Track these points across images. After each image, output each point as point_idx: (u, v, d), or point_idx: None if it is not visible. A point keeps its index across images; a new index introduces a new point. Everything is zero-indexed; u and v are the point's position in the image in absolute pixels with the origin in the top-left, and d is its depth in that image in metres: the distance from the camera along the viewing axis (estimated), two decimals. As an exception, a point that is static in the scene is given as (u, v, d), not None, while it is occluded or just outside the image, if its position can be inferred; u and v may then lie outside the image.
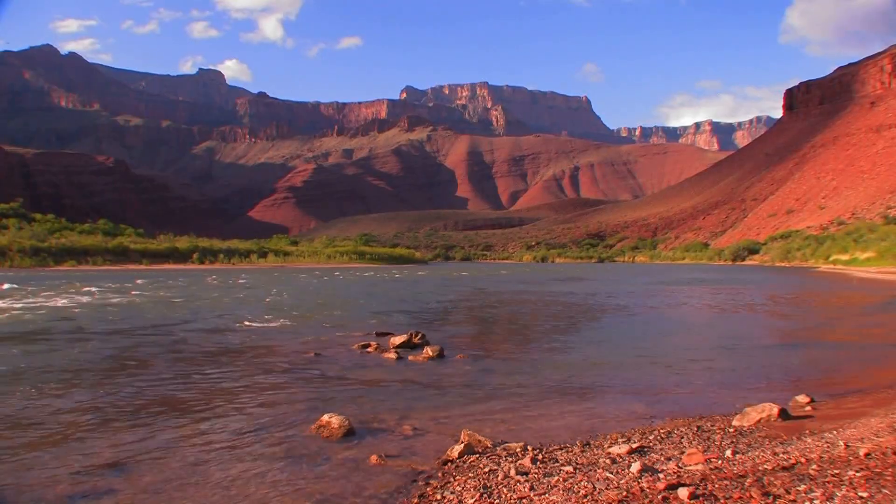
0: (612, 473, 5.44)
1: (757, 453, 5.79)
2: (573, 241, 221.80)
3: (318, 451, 6.64)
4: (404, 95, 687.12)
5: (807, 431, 6.63)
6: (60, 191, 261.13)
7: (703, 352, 14.23)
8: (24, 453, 6.49)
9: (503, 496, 5.10)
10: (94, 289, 34.23)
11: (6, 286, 34.48)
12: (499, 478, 5.54)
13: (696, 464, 5.52)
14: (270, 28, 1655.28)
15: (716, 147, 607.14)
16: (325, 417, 7.39)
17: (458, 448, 6.38)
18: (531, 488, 5.21)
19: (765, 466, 5.23)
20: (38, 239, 76.05)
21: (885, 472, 4.69)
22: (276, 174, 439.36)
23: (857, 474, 4.68)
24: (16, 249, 70.06)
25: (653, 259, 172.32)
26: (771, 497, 4.39)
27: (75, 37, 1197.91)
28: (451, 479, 5.66)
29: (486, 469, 5.84)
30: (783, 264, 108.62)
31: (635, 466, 5.47)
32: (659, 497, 4.61)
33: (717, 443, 6.49)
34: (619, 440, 6.76)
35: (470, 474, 5.73)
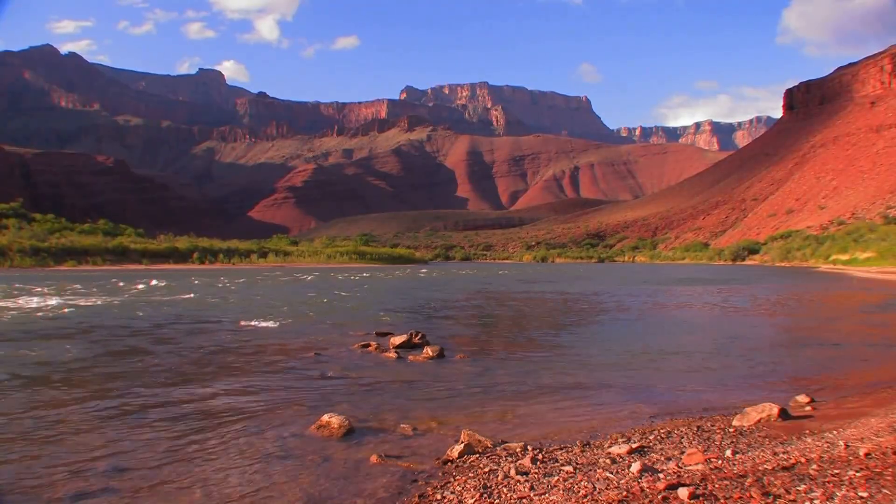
0: (612, 473, 5.44)
1: (757, 453, 5.79)
2: (573, 241, 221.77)
3: (318, 450, 6.64)
4: (404, 95, 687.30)
5: (807, 431, 6.63)
6: (60, 191, 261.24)
7: (703, 351, 14.23)
8: (24, 453, 6.48)
9: (503, 496, 5.10)
10: (95, 288, 34.23)
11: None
12: (499, 478, 5.54)
13: (696, 464, 5.52)
14: (267, 28, 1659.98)
15: (716, 147, 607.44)
16: (325, 417, 7.39)
17: (458, 448, 6.38)
18: (531, 488, 5.21)
19: (765, 466, 5.24)
20: (38, 239, 76.03)
21: (885, 472, 4.70)
22: (276, 174, 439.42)
23: (857, 474, 4.68)
24: (16, 249, 70.01)
25: (653, 259, 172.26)
26: (771, 497, 4.39)
27: (72, 38, 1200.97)
28: (452, 479, 5.66)
29: (486, 469, 5.84)
30: (783, 264, 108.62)
31: (635, 466, 5.47)
32: (659, 497, 4.61)
33: (717, 443, 6.49)
34: (619, 440, 6.76)
35: (470, 474, 5.73)
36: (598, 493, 4.94)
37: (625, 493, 4.81)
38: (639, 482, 5.06)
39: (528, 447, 6.50)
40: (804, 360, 12.96)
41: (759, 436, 6.66)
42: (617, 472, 5.45)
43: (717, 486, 4.74)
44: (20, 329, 16.70)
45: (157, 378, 10.47)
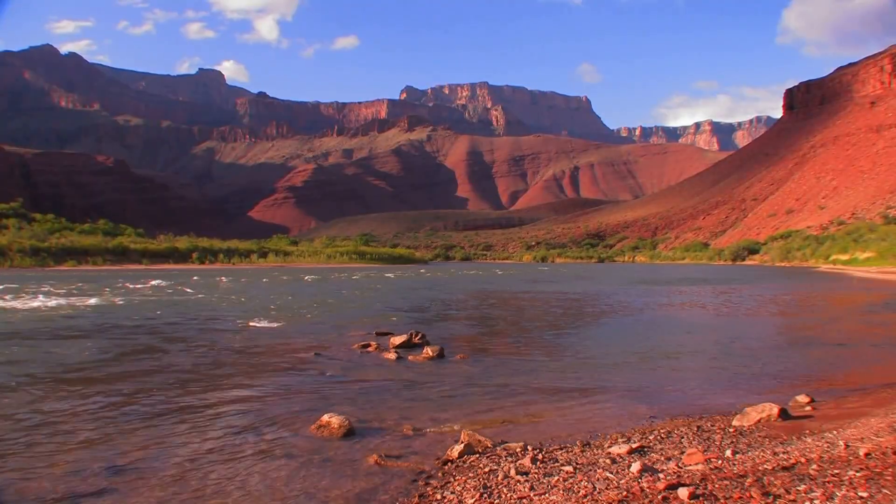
0: (612, 473, 5.44)
1: (757, 453, 5.79)
2: (573, 241, 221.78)
3: (318, 451, 6.64)
4: (404, 95, 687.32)
5: (807, 431, 6.63)
6: (60, 191, 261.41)
7: (703, 351, 14.24)
8: (25, 453, 6.49)
9: (503, 496, 5.10)
10: (105, 289, 34.23)
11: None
12: (499, 478, 5.54)
13: (696, 464, 5.52)
14: (266, 28, 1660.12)
15: (716, 147, 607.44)
16: (325, 417, 7.39)
17: (458, 448, 6.38)
18: (531, 488, 5.21)
19: (765, 466, 5.23)
20: (38, 239, 76.06)
21: (885, 472, 4.69)
22: (276, 174, 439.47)
23: (857, 474, 4.68)
24: (16, 249, 70.04)
25: (653, 259, 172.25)
26: (771, 497, 4.39)
27: (72, 38, 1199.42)
28: (452, 479, 5.66)
29: (486, 469, 5.84)
30: (783, 264, 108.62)
31: (635, 466, 5.47)
32: (659, 497, 4.61)
33: (717, 443, 6.49)
34: (619, 440, 6.76)
35: (470, 474, 5.73)
36: (598, 493, 4.94)
37: (625, 493, 4.81)
38: (639, 482, 5.06)
39: (528, 447, 6.50)
40: (804, 359, 12.96)
41: (759, 436, 6.66)
42: (617, 472, 5.45)
43: (717, 486, 4.74)
44: (32, 328, 16.71)
45: (158, 378, 10.48)
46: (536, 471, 5.67)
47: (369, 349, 13.34)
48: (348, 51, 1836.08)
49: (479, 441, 6.62)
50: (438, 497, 5.23)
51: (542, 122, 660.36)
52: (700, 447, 6.23)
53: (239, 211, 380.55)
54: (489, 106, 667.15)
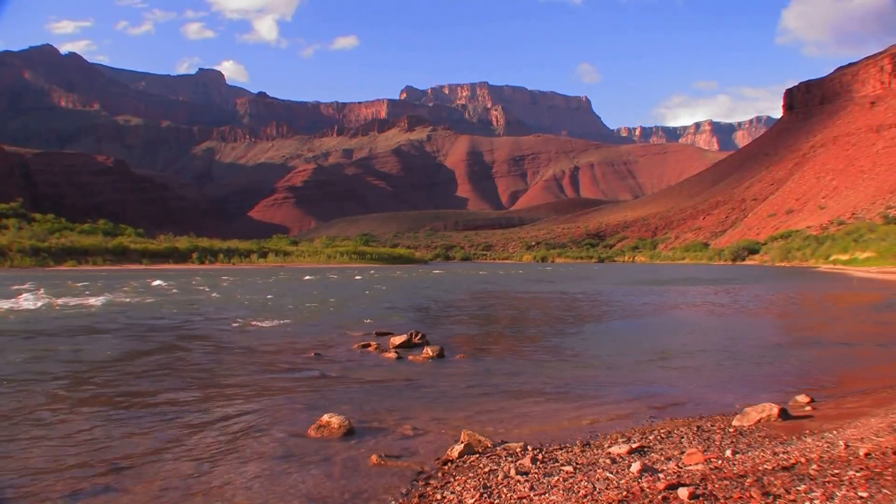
0: (612, 473, 5.44)
1: (757, 453, 5.78)
2: (573, 241, 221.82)
3: (318, 451, 6.63)
4: (404, 95, 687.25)
5: (807, 431, 6.63)
6: (60, 191, 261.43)
7: (703, 352, 14.23)
8: (24, 453, 6.49)
9: (503, 496, 5.10)
10: (105, 288, 34.19)
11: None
12: (499, 478, 5.54)
13: (696, 464, 5.52)
14: (266, 29, 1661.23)
15: (716, 147, 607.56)
16: (325, 417, 7.39)
17: (458, 448, 6.38)
18: (531, 488, 5.21)
19: (765, 466, 5.23)
20: (38, 239, 76.10)
21: (885, 472, 4.69)
22: (276, 174, 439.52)
23: (857, 474, 4.68)
24: (16, 249, 70.08)
25: (653, 259, 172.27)
26: (771, 497, 4.39)
27: (71, 38, 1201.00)
28: (451, 479, 5.66)
29: (486, 469, 5.83)
30: (783, 264, 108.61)
31: (635, 466, 5.47)
32: (659, 497, 4.61)
33: (717, 443, 6.49)
34: (619, 440, 6.76)
35: (470, 474, 5.73)
36: (598, 493, 4.94)
37: (625, 493, 4.81)
38: (639, 482, 5.05)
39: (528, 447, 6.50)
40: (804, 359, 12.95)
41: (759, 436, 6.65)
42: (617, 472, 5.45)
43: (717, 486, 4.74)
44: (48, 327, 16.72)
45: (158, 378, 10.47)
46: (536, 471, 5.67)
47: (369, 349, 13.34)
48: (348, 51, 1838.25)
49: (479, 441, 6.62)
50: (438, 497, 5.23)
51: (542, 122, 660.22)
52: (700, 447, 6.23)
53: (239, 211, 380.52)
54: (489, 106, 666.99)
